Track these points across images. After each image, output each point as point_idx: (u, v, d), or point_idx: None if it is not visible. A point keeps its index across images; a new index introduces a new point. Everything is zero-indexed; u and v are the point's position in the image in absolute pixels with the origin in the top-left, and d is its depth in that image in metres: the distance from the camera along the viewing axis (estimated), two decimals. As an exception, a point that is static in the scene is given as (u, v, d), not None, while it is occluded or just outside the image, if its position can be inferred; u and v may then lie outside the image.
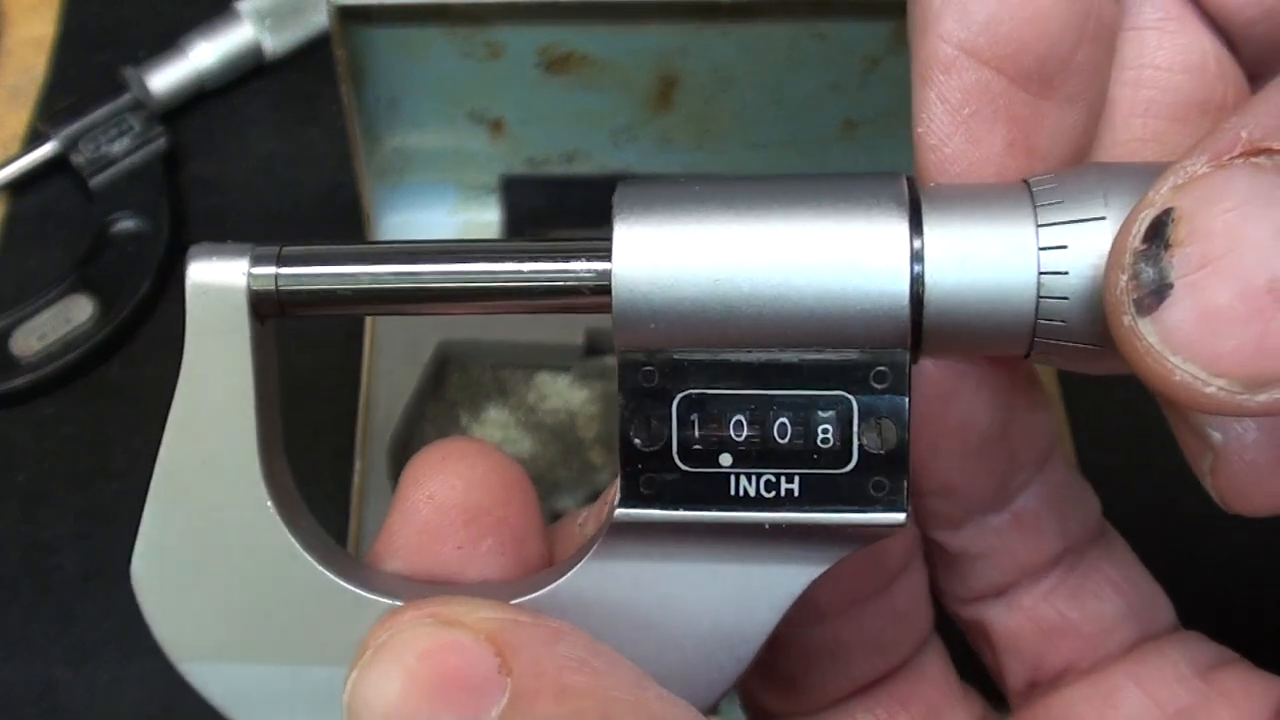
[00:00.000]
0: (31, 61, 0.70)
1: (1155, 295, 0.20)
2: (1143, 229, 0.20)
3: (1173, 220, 0.20)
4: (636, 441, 0.23)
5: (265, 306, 0.24)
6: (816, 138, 0.60)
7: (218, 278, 0.24)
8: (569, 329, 0.60)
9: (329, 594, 0.24)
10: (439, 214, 0.62)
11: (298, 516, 0.25)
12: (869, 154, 0.60)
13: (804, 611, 0.28)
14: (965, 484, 0.28)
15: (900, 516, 0.23)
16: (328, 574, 0.25)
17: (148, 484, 0.58)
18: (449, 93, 0.57)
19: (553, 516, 0.56)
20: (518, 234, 0.62)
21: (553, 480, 0.57)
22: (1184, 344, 0.20)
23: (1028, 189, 0.22)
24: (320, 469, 0.57)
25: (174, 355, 0.68)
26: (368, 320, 0.60)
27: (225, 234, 0.70)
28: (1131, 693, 0.29)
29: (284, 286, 0.24)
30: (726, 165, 0.61)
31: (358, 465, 0.56)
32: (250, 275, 0.24)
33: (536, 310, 0.24)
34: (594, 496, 0.57)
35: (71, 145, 0.64)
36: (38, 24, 0.72)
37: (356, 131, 0.56)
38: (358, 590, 0.24)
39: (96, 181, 0.64)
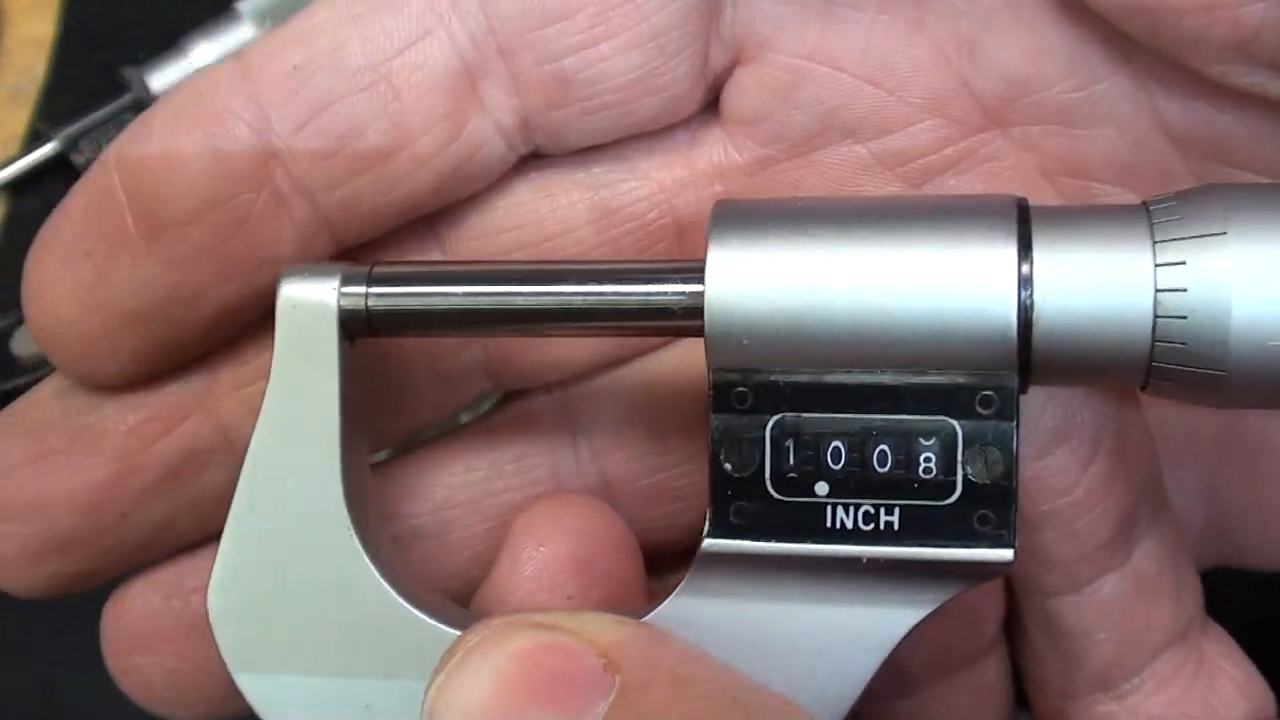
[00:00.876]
0: (31, 61, 0.70)
1: None
2: None
3: None
4: (728, 466, 0.22)
5: (355, 326, 0.23)
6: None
7: (308, 296, 0.23)
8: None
9: (401, 620, 0.24)
10: (439, 214, 0.62)
11: (378, 542, 0.25)
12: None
13: (893, 680, 0.27)
14: (1088, 522, 0.25)
15: (1008, 554, 0.21)
16: (402, 602, 0.24)
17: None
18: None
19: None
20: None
21: (553, 480, 0.57)
22: None
23: (1145, 209, 0.21)
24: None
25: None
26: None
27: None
28: None
29: (374, 306, 0.23)
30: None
31: (358, 465, 0.56)
32: (341, 294, 0.23)
33: (628, 333, 0.23)
34: (594, 497, 0.57)
35: (72, 145, 0.64)
36: (38, 24, 0.71)
37: (357, 132, 0.56)
38: (432, 621, 0.24)
39: (97, 182, 0.64)
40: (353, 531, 0.24)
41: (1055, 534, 0.25)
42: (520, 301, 0.23)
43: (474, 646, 0.22)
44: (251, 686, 0.24)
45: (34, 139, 0.66)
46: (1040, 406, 0.24)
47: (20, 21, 0.72)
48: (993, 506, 0.21)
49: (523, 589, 0.25)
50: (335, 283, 0.23)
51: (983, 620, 0.28)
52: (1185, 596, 0.27)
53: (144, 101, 0.65)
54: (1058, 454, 0.24)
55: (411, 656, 0.23)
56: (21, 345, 0.60)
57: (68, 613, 0.56)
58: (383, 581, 0.24)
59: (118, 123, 0.65)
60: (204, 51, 0.67)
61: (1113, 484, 0.25)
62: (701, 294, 0.21)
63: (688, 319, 0.22)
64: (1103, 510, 0.25)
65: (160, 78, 0.67)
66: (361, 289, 0.23)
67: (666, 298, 0.22)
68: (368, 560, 0.24)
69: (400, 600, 0.24)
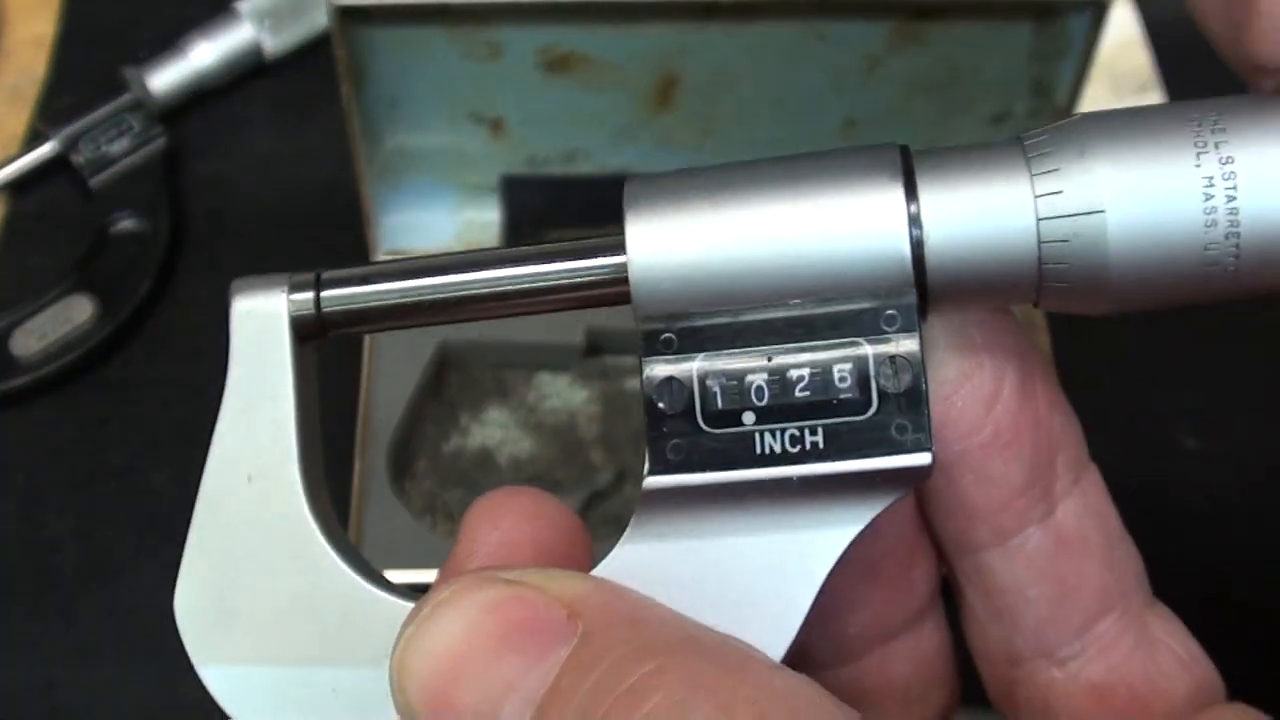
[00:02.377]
0: (31, 61, 0.70)
1: None
2: None
3: None
4: (660, 405, 0.23)
5: (306, 328, 0.25)
6: (816, 138, 0.59)
7: (260, 303, 0.25)
8: (569, 329, 0.60)
9: (372, 604, 0.25)
10: (439, 214, 0.62)
11: (338, 535, 0.26)
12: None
13: (832, 648, 0.28)
14: (1000, 465, 0.27)
15: (926, 457, 0.23)
16: (371, 587, 0.25)
17: (147, 483, 0.58)
18: (449, 93, 0.57)
19: (553, 516, 0.56)
20: (518, 234, 0.62)
21: (553, 480, 0.57)
22: None
23: (1020, 143, 0.23)
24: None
25: (174, 355, 0.68)
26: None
27: (224, 234, 0.71)
28: None
29: (324, 308, 0.25)
30: (727, 165, 0.61)
31: (357, 466, 0.56)
32: (290, 300, 0.25)
33: (561, 306, 0.25)
34: (594, 497, 0.57)
35: (71, 145, 0.64)
36: (38, 24, 0.72)
37: (356, 131, 0.56)
38: (401, 601, 0.25)
39: (96, 181, 0.64)
40: (314, 523, 0.25)
41: (972, 478, 0.27)
42: (461, 289, 0.25)
43: (444, 599, 0.22)
44: (215, 679, 0.25)
45: (34, 139, 0.66)
46: (942, 358, 0.26)
47: (20, 21, 0.72)
48: (907, 414, 0.23)
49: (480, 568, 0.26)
50: (284, 289, 0.25)
51: (914, 582, 0.29)
52: (1119, 564, 0.28)
53: (144, 102, 0.65)
54: (963, 392, 0.26)
55: (377, 640, 0.25)
56: (21, 345, 0.60)
57: (68, 613, 0.56)
58: (347, 568, 0.25)
59: (117, 122, 0.65)
60: (204, 51, 0.67)
61: (1020, 427, 0.26)
62: (625, 264, 0.23)
63: (615, 287, 0.24)
64: (1014, 453, 0.27)
65: (160, 78, 0.67)
66: (309, 294, 0.25)
67: (595, 271, 0.24)
68: (330, 549, 0.25)
69: (366, 584, 0.25)
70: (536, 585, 0.22)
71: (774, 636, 0.24)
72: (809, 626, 0.24)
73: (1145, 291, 0.23)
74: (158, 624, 0.54)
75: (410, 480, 0.57)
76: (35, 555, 0.56)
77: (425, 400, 0.58)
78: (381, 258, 0.61)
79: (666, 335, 0.23)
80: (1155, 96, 0.67)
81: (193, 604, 0.25)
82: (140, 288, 0.61)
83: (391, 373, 0.58)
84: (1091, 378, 0.59)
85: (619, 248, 0.24)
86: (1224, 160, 0.22)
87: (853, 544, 0.24)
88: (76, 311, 0.61)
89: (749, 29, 0.55)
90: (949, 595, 0.30)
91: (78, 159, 0.64)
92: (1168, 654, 0.28)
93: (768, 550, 0.24)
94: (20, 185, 0.65)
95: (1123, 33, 0.69)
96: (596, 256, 0.24)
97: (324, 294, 0.25)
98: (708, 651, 0.22)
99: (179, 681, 0.53)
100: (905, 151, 0.23)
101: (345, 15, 0.52)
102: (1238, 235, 0.22)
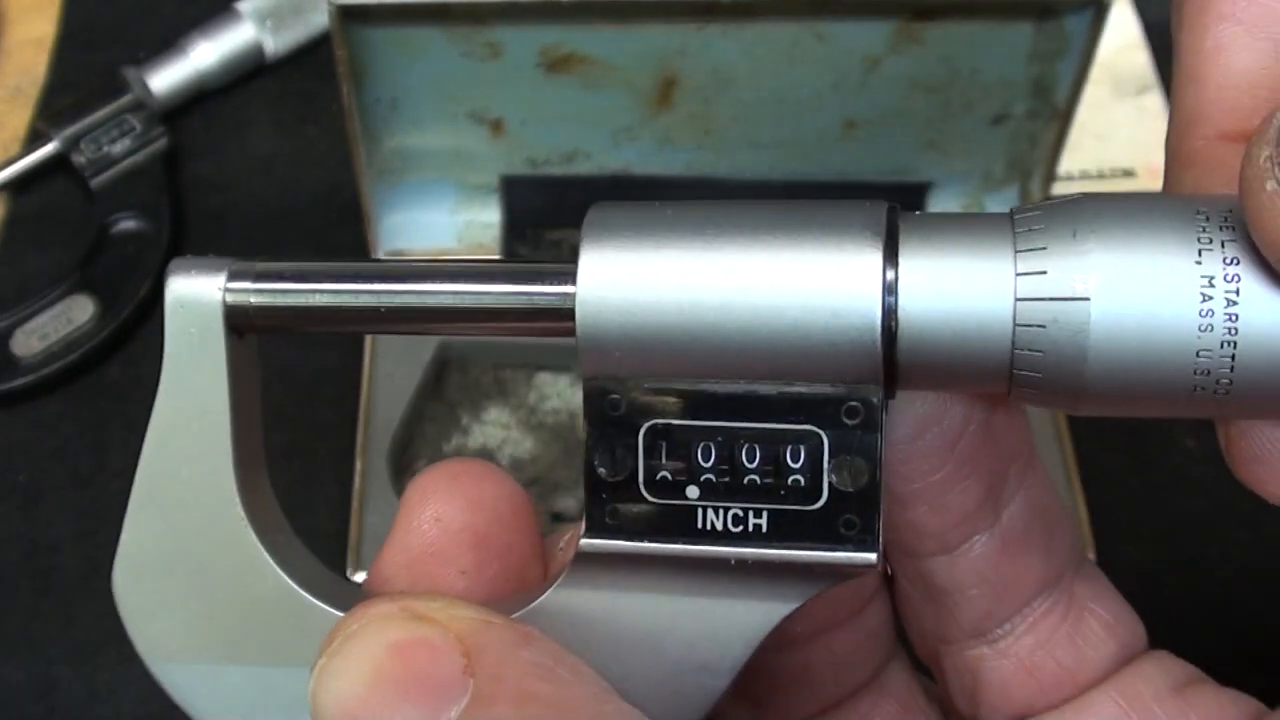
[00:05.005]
0: (32, 61, 0.70)
1: None
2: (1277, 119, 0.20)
3: None
4: (601, 471, 0.22)
5: (241, 321, 0.24)
6: (816, 138, 0.59)
7: (195, 292, 0.24)
8: (569, 329, 0.60)
9: (295, 605, 0.25)
10: (439, 214, 0.62)
11: (274, 529, 0.25)
12: (869, 154, 0.60)
13: (775, 639, 0.27)
14: (958, 494, 0.27)
15: (871, 556, 0.22)
16: (295, 587, 0.25)
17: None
18: (449, 93, 0.57)
19: (553, 517, 0.56)
20: (518, 234, 0.62)
21: (553, 480, 0.57)
22: None
23: (1010, 218, 0.22)
24: (321, 470, 0.57)
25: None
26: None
27: (225, 234, 0.70)
28: (1110, 712, 0.29)
29: (256, 303, 0.24)
30: (726, 165, 0.61)
31: (358, 466, 0.56)
32: (226, 290, 0.24)
33: (503, 333, 0.24)
34: (594, 496, 0.57)
35: (72, 145, 0.64)
36: (38, 24, 0.72)
37: (356, 131, 0.56)
38: (323, 605, 0.25)
39: (97, 181, 0.64)
40: (246, 519, 0.25)
41: (927, 508, 0.27)
42: (399, 299, 0.23)
43: (353, 633, 0.23)
44: (165, 676, 0.26)
45: (34, 139, 0.66)
46: (913, 396, 0.24)
47: (20, 21, 0.72)
48: (857, 512, 0.22)
49: (417, 563, 0.26)
50: (221, 279, 0.24)
51: (860, 585, 0.29)
52: (1056, 547, 0.29)
53: (144, 102, 0.65)
54: (928, 437, 0.25)
55: (307, 641, 0.24)
56: (22, 345, 0.60)
57: (68, 612, 0.56)
58: (277, 568, 0.25)
59: (118, 123, 0.65)
60: (204, 51, 0.67)
61: (980, 460, 0.26)
62: (573, 295, 0.22)
63: (561, 320, 0.22)
64: (971, 483, 0.26)
65: (160, 78, 0.67)
66: (246, 284, 0.24)
67: (540, 297, 0.22)
68: (262, 548, 0.25)
69: (293, 585, 0.25)
70: (442, 624, 0.22)
71: (698, 697, 0.23)
72: (734, 686, 0.24)
73: (1124, 395, 0.21)
74: (158, 624, 0.54)
75: (410, 480, 0.57)
76: (35, 555, 0.56)
77: (425, 400, 0.58)
78: (382, 258, 0.62)
79: (613, 396, 0.22)
80: (1155, 96, 0.67)
81: (133, 599, 0.25)
82: (140, 288, 0.61)
83: (392, 373, 0.58)
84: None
85: (569, 275, 0.22)
86: (1229, 260, 0.20)
87: (786, 619, 0.23)
88: (77, 311, 0.61)
89: (749, 29, 0.55)
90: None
91: (79, 159, 0.64)
92: (1094, 620, 0.29)
93: (701, 615, 0.23)
94: (21, 185, 0.66)
95: (1123, 33, 0.69)
96: (547, 283, 0.23)
97: (261, 285, 0.24)
98: None
99: (179, 681, 0.53)
100: (893, 211, 0.22)
101: (345, 15, 0.52)
102: (1234, 345, 0.20)
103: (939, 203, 0.62)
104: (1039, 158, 0.59)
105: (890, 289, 0.21)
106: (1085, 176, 0.65)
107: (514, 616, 0.24)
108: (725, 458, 0.22)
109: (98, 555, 0.56)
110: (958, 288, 0.21)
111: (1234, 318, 0.20)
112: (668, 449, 0.22)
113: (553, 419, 0.59)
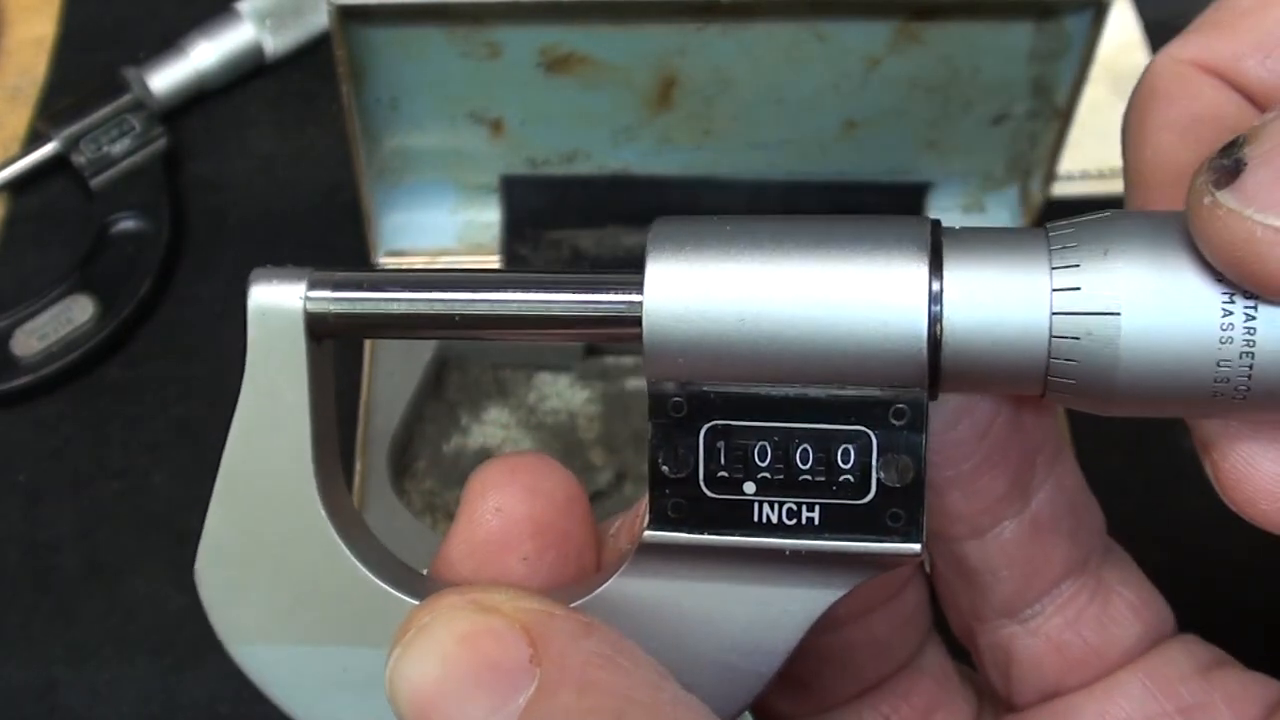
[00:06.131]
0: (31, 61, 0.70)
1: (1231, 173, 0.22)
2: (1218, 149, 0.22)
3: (1243, 139, 0.22)
4: (665, 468, 0.24)
5: (320, 328, 0.25)
6: (816, 138, 0.60)
7: (276, 300, 0.25)
8: (569, 329, 0.60)
9: (371, 592, 0.26)
10: (439, 214, 0.62)
11: (350, 522, 0.27)
12: (869, 154, 0.60)
13: (821, 623, 0.29)
14: (987, 480, 0.28)
15: (916, 547, 0.24)
16: (371, 576, 0.26)
17: (147, 483, 0.58)
18: (449, 93, 0.57)
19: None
20: (518, 234, 0.62)
21: (553, 480, 0.57)
22: (1262, 198, 0.21)
23: (1045, 233, 0.23)
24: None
25: (174, 355, 0.68)
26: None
27: (225, 234, 0.70)
28: (1137, 692, 0.30)
29: (337, 310, 0.25)
30: (726, 165, 0.61)
31: (358, 466, 0.56)
32: (306, 299, 0.25)
33: (571, 339, 0.25)
34: (594, 496, 0.57)
35: (72, 145, 0.64)
36: (38, 24, 0.72)
37: (356, 131, 0.56)
38: (397, 593, 0.26)
39: (97, 181, 0.64)
40: (325, 514, 0.26)
41: (959, 494, 0.29)
42: (472, 308, 0.25)
43: (425, 625, 0.24)
44: (245, 658, 0.27)
45: (35, 139, 0.66)
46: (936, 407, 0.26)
47: (20, 21, 0.72)
48: (903, 506, 0.23)
49: (480, 551, 0.27)
50: (302, 288, 0.25)
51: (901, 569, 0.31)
52: (1083, 534, 0.31)
53: (144, 102, 0.65)
54: (962, 425, 0.28)
55: (381, 625, 0.26)
56: (22, 345, 0.60)
57: (68, 613, 0.56)
58: (354, 559, 0.26)
59: (118, 123, 0.65)
60: (204, 51, 0.67)
61: (1008, 449, 0.28)
62: (640, 304, 0.23)
63: (627, 327, 0.24)
64: (999, 471, 0.28)
65: (160, 78, 0.67)
66: (326, 293, 0.25)
67: (609, 306, 0.24)
68: (339, 540, 0.26)
69: (369, 574, 0.26)
70: (507, 615, 0.24)
71: (750, 680, 0.25)
72: (783, 669, 0.25)
73: (1151, 400, 0.23)
74: (158, 624, 0.54)
75: (410, 480, 0.57)
76: (35, 555, 0.56)
77: (425, 400, 0.58)
78: (382, 258, 0.62)
79: (676, 399, 0.24)
80: (1155, 96, 0.67)
81: (215, 585, 0.26)
82: (140, 288, 0.61)
83: (392, 373, 0.58)
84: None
85: (635, 285, 0.24)
86: None
87: (834, 605, 0.25)
88: (76, 311, 0.61)
89: (749, 29, 0.55)
90: None
91: (78, 159, 0.64)
92: (1120, 602, 0.30)
93: (753, 602, 0.25)
94: (21, 185, 0.66)
95: (1123, 33, 0.69)
96: (614, 292, 0.24)
97: (340, 294, 0.25)
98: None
99: (179, 681, 0.53)
100: (936, 226, 0.23)
101: (345, 15, 0.52)
102: (1252, 356, 0.22)
103: (939, 202, 0.63)
104: (1039, 158, 0.59)
105: (936, 299, 0.22)
106: (1085, 176, 0.65)
107: (574, 605, 0.25)
108: (780, 456, 0.24)
109: (98, 555, 0.56)
110: (998, 300, 0.22)
111: (1252, 330, 0.22)
112: (726, 448, 0.24)
113: (552, 419, 0.59)
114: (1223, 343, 0.22)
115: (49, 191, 0.66)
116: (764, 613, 0.25)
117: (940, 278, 0.23)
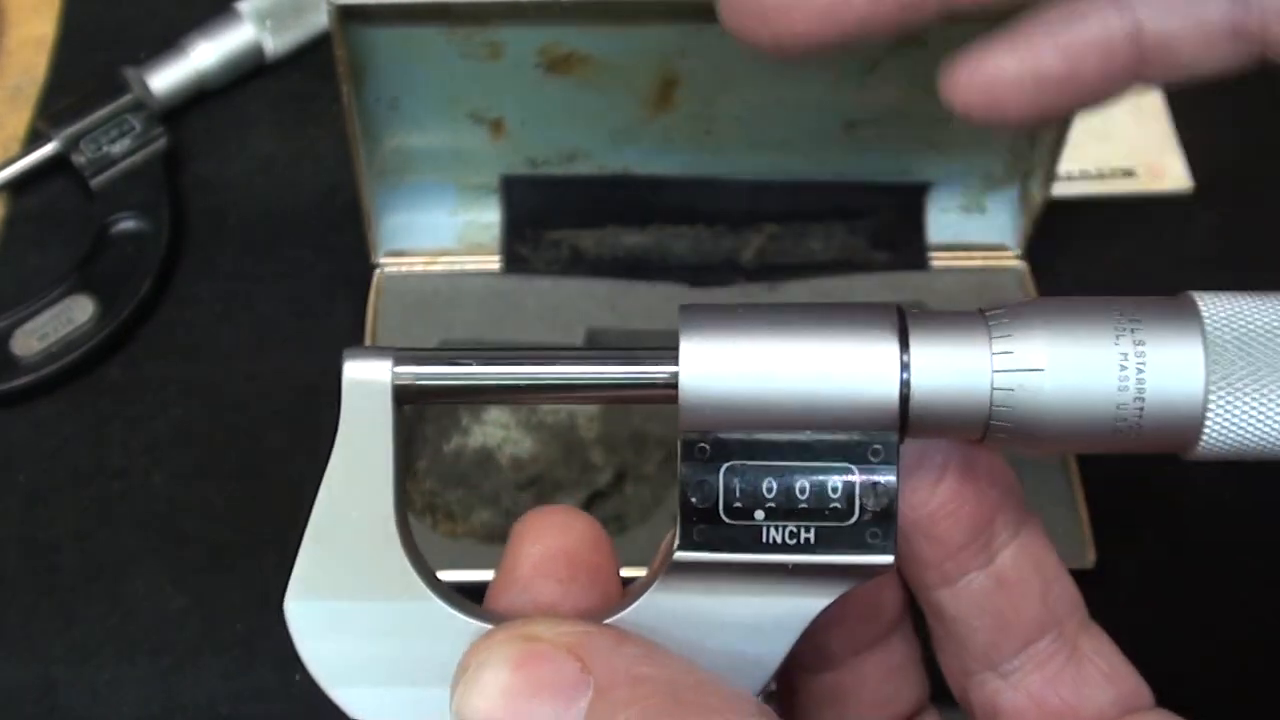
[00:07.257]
0: (31, 61, 0.70)
1: None
2: None
3: None
4: (693, 500, 0.30)
5: (404, 397, 0.30)
6: (816, 138, 0.60)
7: (368, 375, 0.30)
8: (570, 330, 0.60)
9: (453, 627, 0.30)
10: (439, 214, 0.62)
11: (422, 562, 0.31)
12: (869, 154, 0.60)
13: (816, 656, 0.35)
14: (946, 526, 0.33)
15: (889, 558, 0.29)
16: (456, 612, 0.30)
17: (147, 483, 0.58)
18: (449, 93, 0.57)
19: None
20: (518, 234, 0.62)
21: (553, 480, 0.57)
22: None
23: (984, 317, 0.30)
24: (321, 471, 0.57)
25: (174, 355, 0.68)
26: (369, 322, 0.60)
27: (225, 234, 0.70)
28: None
29: (420, 383, 0.30)
30: (727, 165, 0.61)
31: (358, 465, 0.56)
32: (394, 373, 0.30)
33: (612, 401, 0.31)
34: (594, 496, 0.57)
35: (72, 145, 0.64)
36: (38, 24, 0.72)
37: (356, 131, 0.56)
38: (478, 622, 0.30)
39: (97, 181, 0.64)
40: (406, 557, 0.31)
41: (922, 538, 0.33)
42: (534, 379, 0.30)
43: (480, 663, 0.28)
44: (348, 700, 0.31)
45: (34, 139, 0.66)
46: (904, 449, 0.32)
47: (20, 21, 0.72)
48: (880, 525, 0.30)
49: (524, 578, 0.32)
50: (389, 364, 0.30)
51: (883, 608, 0.36)
52: (1054, 598, 0.35)
53: (144, 101, 0.65)
54: (914, 477, 0.33)
55: (456, 652, 0.30)
56: (22, 345, 0.60)
57: (68, 613, 0.56)
58: (438, 598, 0.30)
59: (118, 123, 0.65)
60: (204, 51, 0.67)
61: (962, 499, 0.33)
62: (676, 373, 0.29)
63: (663, 390, 0.30)
64: (955, 519, 0.33)
65: (160, 78, 0.67)
66: (411, 368, 0.30)
67: (649, 376, 0.30)
68: (419, 579, 0.30)
69: (454, 612, 0.30)
70: (550, 639, 0.28)
71: (756, 673, 0.30)
72: (783, 668, 0.30)
73: (1068, 438, 0.29)
74: (158, 624, 0.54)
75: (410, 480, 0.57)
76: (35, 555, 0.56)
77: (425, 400, 0.59)
78: (382, 258, 0.62)
79: (701, 445, 0.30)
80: (1155, 96, 0.67)
81: (306, 625, 0.30)
82: (140, 288, 0.61)
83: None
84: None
85: (671, 359, 0.29)
86: (1137, 343, 0.29)
87: (823, 612, 0.30)
88: (77, 311, 0.61)
89: (749, 29, 0.55)
90: (921, 615, 0.36)
91: (78, 159, 0.64)
92: (1093, 668, 0.34)
93: (759, 609, 0.30)
94: (21, 185, 0.66)
95: (1123, 33, 0.69)
96: (651, 364, 0.30)
97: (423, 369, 0.30)
98: (690, 700, 0.28)
99: (179, 681, 0.53)
100: (901, 311, 0.30)
101: (345, 15, 0.52)
102: (1142, 402, 0.29)
103: (939, 202, 0.63)
104: (1039, 158, 0.59)
105: (905, 368, 0.29)
106: (1085, 176, 0.65)
107: (615, 618, 0.30)
108: (784, 488, 0.30)
109: (98, 555, 0.56)
110: (952, 365, 0.29)
111: (1142, 382, 0.29)
112: (741, 483, 0.30)
113: (552, 419, 0.59)
114: (1120, 389, 0.29)
115: (49, 191, 0.66)
116: (766, 617, 0.30)
117: (907, 350, 0.29)
